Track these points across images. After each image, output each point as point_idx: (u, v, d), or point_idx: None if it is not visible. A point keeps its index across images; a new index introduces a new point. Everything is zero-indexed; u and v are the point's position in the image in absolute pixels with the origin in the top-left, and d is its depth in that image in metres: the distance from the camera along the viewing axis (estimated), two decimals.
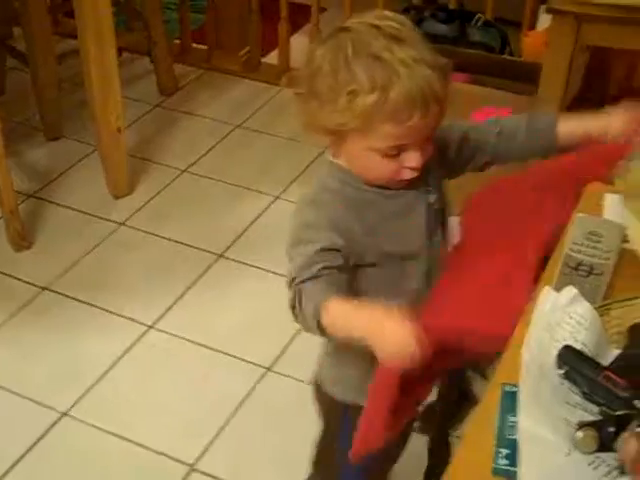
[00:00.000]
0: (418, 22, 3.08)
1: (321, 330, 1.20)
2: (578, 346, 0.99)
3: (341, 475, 1.51)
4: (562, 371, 0.96)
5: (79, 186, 2.97)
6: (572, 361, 0.96)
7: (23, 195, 2.87)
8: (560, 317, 1.02)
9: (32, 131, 3.21)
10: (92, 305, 2.48)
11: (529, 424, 0.91)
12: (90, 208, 2.86)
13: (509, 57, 3.08)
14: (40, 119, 3.19)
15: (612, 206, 1.27)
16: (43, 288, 2.54)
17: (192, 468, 2.03)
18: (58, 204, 2.89)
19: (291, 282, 1.27)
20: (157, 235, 2.76)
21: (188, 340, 2.37)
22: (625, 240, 1.18)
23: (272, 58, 3.65)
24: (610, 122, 1.39)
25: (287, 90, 3.52)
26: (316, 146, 3.16)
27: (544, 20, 3.06)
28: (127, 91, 3.13)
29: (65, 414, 2.15)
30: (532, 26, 3.17)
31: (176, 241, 2.73)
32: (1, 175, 2.57)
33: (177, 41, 3.71)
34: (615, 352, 1.02)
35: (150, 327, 2.42)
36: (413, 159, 1.25)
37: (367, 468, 1.43)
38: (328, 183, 1.32)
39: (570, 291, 1.05)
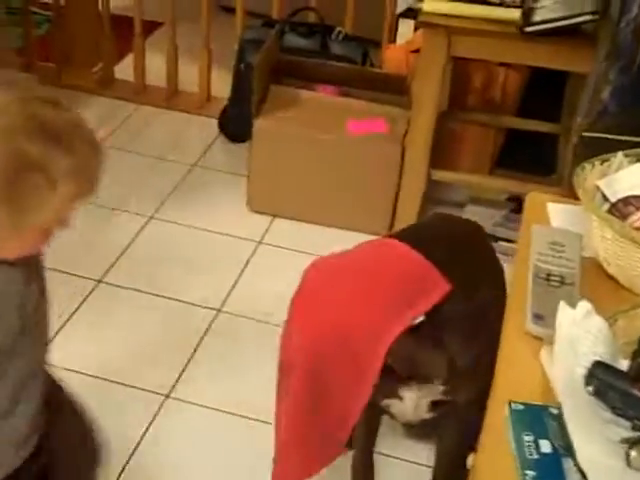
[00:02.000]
0: (279, 36, 3.09)
1: None
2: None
3: None
4: (591, 388, 0.98)
5: None
6: (604, 376, 0.98)
7: None
8: (578, 332, 1.04)
9: None
10: None
11: (586, 450, 0.92)
12: None
13: (374, 69, 3.14)
14: None
15: (558, 214, 1.32)
16: None
17: None
18: None
19: None
20: None
21: (73, 371, 2.26)
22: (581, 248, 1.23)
23: (122, 71, 3.55)
24: None
25: (145, 107, 3.43)
26: (183, 164, 3.12)
27: (404, 34, 3.15)
28: None
29: None
30: (391, 39, 3.24)
31: (51, 268, 2.59)
32: None
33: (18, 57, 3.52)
34: (624, 362, 1.06)
35: None
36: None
37: None
38: None
39: (584, 306, 1.08)
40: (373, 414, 1.82)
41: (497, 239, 2.75)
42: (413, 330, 1.47)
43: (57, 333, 2.36)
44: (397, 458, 2.06)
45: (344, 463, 1.90)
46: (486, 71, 2.96)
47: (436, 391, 1.65)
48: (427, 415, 1.73)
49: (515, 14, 2.39)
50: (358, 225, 2.74)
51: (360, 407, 1.51)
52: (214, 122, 3.30)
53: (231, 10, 3.36)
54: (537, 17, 2.35)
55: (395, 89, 2.97)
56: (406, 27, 3.15)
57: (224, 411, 2.16)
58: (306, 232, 2.83)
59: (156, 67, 3.45)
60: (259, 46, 2.88)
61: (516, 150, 3.08)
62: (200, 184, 3.03)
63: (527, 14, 2.36)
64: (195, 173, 3.08)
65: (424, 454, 2.00)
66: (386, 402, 1.73)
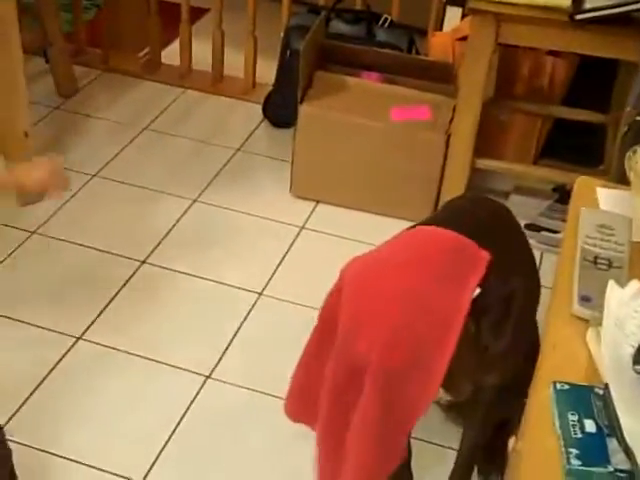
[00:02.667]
0: (325, 23, 3.08)
1: None
2: None
3: None
4: (639, 367, 0.97)
5: None
6: None
7: None
8: (626, 312, 1.03)
9: None
10: (10, 318, 2.35)
11: (632, 429, 0.92)
12: None
13: (419, 56, 3.13)
14: None
15: (607, 199, 1.30)
16: None
17: None
18: None
19: None
20: (73, 242, 2.64)
21: (119, 350, 2.29)
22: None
23: (168, 56, 3.57)
24: (29, 172, 1.52)
25: (191, 92, 3.46)
26: (227, 148, 3.13)
27: (451, 21, 3.13)
28: None
29: None
30: (438, 27, 3.22)
31: (94, 248, 2.63)
32: None
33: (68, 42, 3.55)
34: None
35: (78, 339, 2.31)
36: None
37: None
38: None
39: (633, 286, 1.07)
40: None
41: (541, 229, 2.73)
42: None
43: (101, 312, 2.40)
44: (428, 442, 2.06)
45: None
46: (534, 59, 2.93)
47: None
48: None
49: (565, 1, 2.36)
50: (400, 212, 2.73)
51: (437, 385, 1.44)
52: (258, 108, 3.31)
53: None
54: (588, 4, 2.32)
55: (440, 77, 2.95)
56: (453, 14, 3.14)
57: (263, 392, 2.17)
58: (349, 218, 2.83)
59: (202, 53, 3.47)
60: (304, 33, 2.88)
61: (562, 140, 3.04)
62: (243, 169, 3.04)
63: (578, 1, 2.33)
64: (239, 158, 3.10)
65: (455, 438, 1.99)
66: None
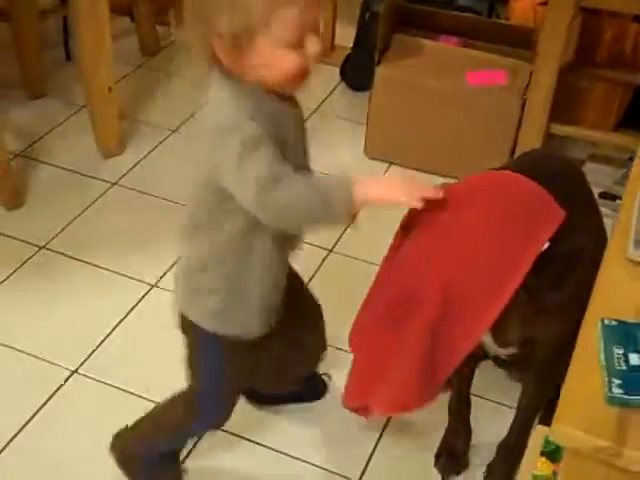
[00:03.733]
0: None
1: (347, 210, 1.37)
2: None
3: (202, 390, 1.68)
4: None
5: (67, 146, 2.91)
6: None
7: (10, 154, 2.80)
8: None
9: (13, 90, 3.13)
10: (91, 264, 2.44)
11: None
12: (80, 168, 2.82)
13: (500, 21, 3.11)
14: (22, 77, 3.12)
15: None
16: (39, 247, 2.49)
17: None
18: (47, 163, 2.83)
19: (263, 189, 1.33)
20: (151, 195, 2.73)
21: None
22: None
23: None
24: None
25: None
26: (305, 109, 3.17)
27: None
28: None
29: (75, 371, 2.13)
30: None
31: (171, 200, 2.71)
32: None
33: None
34: None
35: (153, 286, 2.40)
36: (316, 43, 1.37)
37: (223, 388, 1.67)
38: (238, 103, 1.36)
39: None
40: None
41: (615, 197, 2.71)
42: None
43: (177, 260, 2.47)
44: (487, 399, 2.08)
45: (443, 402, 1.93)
46: (617, 26, 2.88)
47: None
48: (511, 350, 1.73)
49: None
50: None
51: (484, 328, 1.43)
52: (336, 70, 3.34)
53: None
54: None
55: (520, 42, 2.93)
56: None
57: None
58: (421, 180, 2.83)
59: None
60: None
61: None
62: (320, 130, 3.07)
63: None
64: (315, 119, 3.13)
65: (515, 396, 2.00)
66: None
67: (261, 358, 1.71)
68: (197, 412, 1.72)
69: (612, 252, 1.17)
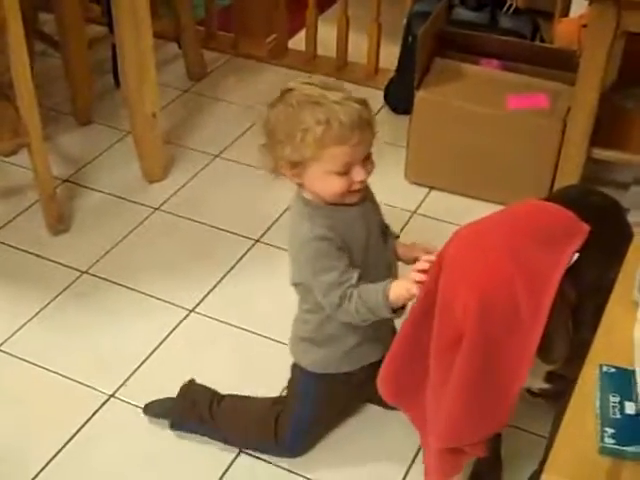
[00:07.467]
0: (448, 9, 3.09)
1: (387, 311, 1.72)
2: None
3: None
4: None
5: (112, 171, 2.98)
6: None
7: (57, 179, 2.88)
8: None
9: (62, 116, 3.22)
10: (132, 289, 2.49)
11: None
12: (125, 193, 2.88)
13: (542, 44, 3.09)
14: (71, 104, 3.20)
15: None
16: (82, 272, 2.55)
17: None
18: (92, 189, 2.90)
19: (327, 294, 1.77)
20: (193, 220, 2.77)
21: (229, 324, 2.39)
22: None
23: (295, 43, 3.66)
24: None
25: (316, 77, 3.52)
26: None
27: (578, 7, 3.07)
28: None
29: (112, 396, 2.17)
30: (564, 13, 3.17)
31: (212, 226, 2.75)
32: (40, 159, 2.58)
33: (200, 27, 3.69)
34: None
35: (191, 311, 2.43)
36: (359, 174, 1.69)
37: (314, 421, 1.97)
38: (311, 216, 1.75)
39: None
40: None
41: None
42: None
43: (216, 285, 2.51)
44: (520, 428, 2.06)
45: None
46: None
47: None
48: (543, 385, 1.72)
49: None
50: (513, 201, 2.69)
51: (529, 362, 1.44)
52: (380, 93, 3.35)
53: None
54: None
55: (563, 65, 2.90)
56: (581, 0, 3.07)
57: None
58: (462, 205, 2.84)
59: (327, 40, 3.54)
60: (427, 19, 2.90)
61: None
62: None
63: None
64: None
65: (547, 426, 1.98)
66: None
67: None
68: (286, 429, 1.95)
69: (618, 293, 1.16)
